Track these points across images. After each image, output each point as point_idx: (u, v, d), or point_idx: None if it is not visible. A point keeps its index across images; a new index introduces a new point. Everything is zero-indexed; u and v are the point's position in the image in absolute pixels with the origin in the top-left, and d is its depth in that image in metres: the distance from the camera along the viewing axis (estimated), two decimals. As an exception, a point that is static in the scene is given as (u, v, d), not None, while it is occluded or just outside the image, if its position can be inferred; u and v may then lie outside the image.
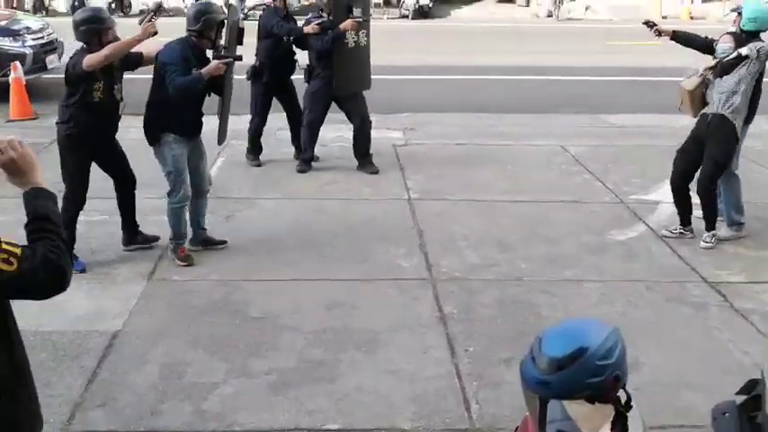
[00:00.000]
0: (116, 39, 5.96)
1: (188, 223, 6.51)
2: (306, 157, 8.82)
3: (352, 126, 8.88)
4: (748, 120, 6.94)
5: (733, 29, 6.83)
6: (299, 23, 8.74)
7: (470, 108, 11.97)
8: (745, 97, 6.63)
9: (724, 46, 6.68)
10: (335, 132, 9.70)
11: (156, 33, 5.94)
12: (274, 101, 8.93)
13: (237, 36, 6.44)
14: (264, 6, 11.29)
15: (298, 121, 8.90)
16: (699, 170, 6.88)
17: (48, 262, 2.21)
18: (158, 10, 6.23)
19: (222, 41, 6.37)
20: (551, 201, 8.00)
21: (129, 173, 6.47)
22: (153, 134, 6.22)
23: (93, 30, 5.91)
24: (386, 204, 7.75)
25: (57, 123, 6.14)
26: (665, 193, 8.11)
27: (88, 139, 6.07)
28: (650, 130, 10.92)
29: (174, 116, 6.09)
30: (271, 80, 8.70)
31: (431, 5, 23.71)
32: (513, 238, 6.98)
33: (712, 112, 6.68)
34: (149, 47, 6.23)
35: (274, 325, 5.33)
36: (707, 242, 6.88)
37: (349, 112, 8.83)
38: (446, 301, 5.74)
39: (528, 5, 25.54)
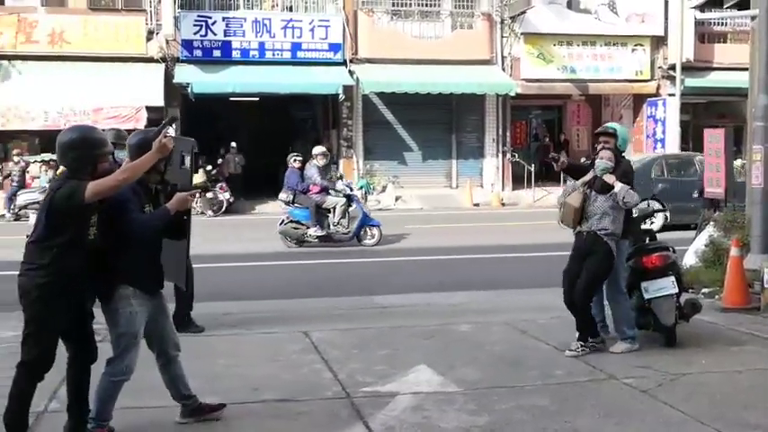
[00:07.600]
0: (112, 168, 4.96)
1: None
2: None
3: None
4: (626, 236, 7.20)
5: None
6: None
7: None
8: (617, 223, 6.94)
9: (603, 162, 6.97)
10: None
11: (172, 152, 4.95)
12: None
13: (193, 164, 5.43)
14: None
15: None
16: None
17: None
18: (170, 124, 5.29)
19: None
20: (249, 401, 5.88)
21: (93, 341, 5.07)
22: (106, 287, 4.95)
23: (87, 156, 4.76)
24: None
25: (27, 270, 4.72)
26: (408, 381, 6.37)
27: (71, 289, 4.75)
28: (415, 309, 9.26)
29: (133, 265, 4.94)
30: None
31: (231, 201, 22.48)
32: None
33: (587, 230, 6.98)
34: None
35: None
36: (572, 350, 6.94)
37: None
38: None
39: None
